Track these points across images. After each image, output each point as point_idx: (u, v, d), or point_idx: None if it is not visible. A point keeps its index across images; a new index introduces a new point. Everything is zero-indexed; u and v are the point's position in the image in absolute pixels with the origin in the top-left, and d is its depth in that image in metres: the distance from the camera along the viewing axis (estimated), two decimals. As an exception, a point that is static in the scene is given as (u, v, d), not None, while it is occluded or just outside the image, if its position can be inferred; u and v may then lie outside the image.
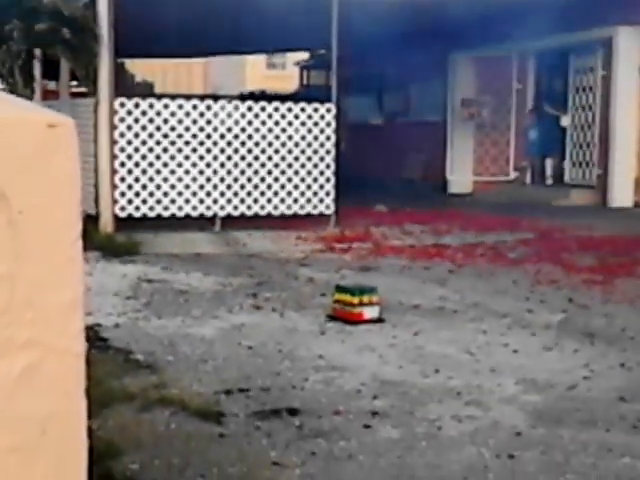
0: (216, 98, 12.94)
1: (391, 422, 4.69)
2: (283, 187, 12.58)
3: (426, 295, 8.18)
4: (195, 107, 12.21)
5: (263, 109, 12.52)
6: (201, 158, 12.21)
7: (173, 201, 12.12)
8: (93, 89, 12.18)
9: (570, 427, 4.65)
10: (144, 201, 12.00)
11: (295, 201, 12.65)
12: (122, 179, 11.92)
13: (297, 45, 23.27)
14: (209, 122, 12.22)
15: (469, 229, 12.78)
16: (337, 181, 12.83)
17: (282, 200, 12.59)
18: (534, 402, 5.07)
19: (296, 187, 12.63)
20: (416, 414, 4.83)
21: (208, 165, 12.24)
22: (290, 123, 12.58)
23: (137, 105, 11.97)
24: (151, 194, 12.03)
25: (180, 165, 12.13)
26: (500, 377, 5.55)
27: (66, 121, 2.39)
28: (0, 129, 2.27)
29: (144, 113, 11.97)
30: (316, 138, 12.70)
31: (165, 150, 12.06)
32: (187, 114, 12.13)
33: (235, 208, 12.38)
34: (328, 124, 12.76)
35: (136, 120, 11.93)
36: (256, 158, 12.44)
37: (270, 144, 12.49)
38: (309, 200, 12.72)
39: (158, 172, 12.03)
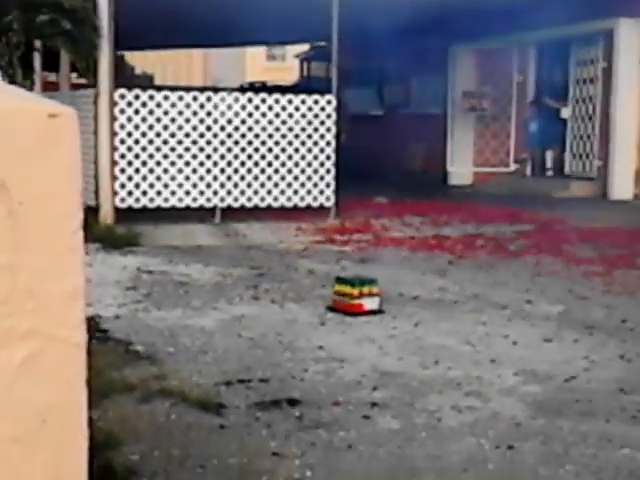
0: (216, 90, 12.92)
1: (391, 413, 4.70)
2: (283, 179, 12.57)
3: (426, 286, 8.18)
4: (195, 99, 12.21)
5: (263, 101, 12.51)
6: (201, 150, 12.20)
7: (173, 193, 12.11)
8: (93, 81, 12.17)
9: (570, 418, 4.66)
10: (144, 193, 12.00)
11: (295, 193, 12.65)
12: (122, 170, 11.92)
13: (297, 37, 23.24)
14: (209, 114, 12.21)
15: (469, 221, 12.78)
16: (337, 173, 12.82)
17: (282, 192, 12.58)
18: (534, 393, 5.08)
19: (296, 179, 12.63)
20: (416, 405, 4.84)
21: (208, 157, 12.23)
22: (290, 115, 12.57)
23: (137, 97, 11.96)
24: (151, 186, 12.02)
25: (180, 157, 12.12)
26: (500, 368, 5.55)
27: (67, 111, 2.39)
28: (1, 119, 2.27)
29: (144, 105, 11.96)
30: (316, 130, 12.69)
31: (165, 142, 12.05)
32: (187, 106, 12.12)
33: (235, 200, 12.38)
34: (328, 116, 12.75)
35: (136, 112, 11.93)
36: (256, 150, 12.44)
37: (270, 136, 12.49)
38: (309, 192, 12.72)
39: (158, 164, 12.03)
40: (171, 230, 11.47)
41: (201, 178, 12.21)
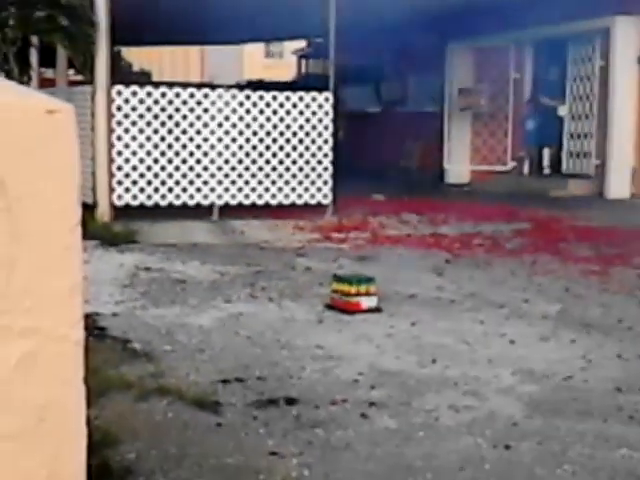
0: (214, 87, 12.90)
1: (388, 412, 4.69)
2: (281, 176, 12.56)
3: (423, 285, 8.18)
4: (192, 95, 12.18)
5: (261, 98, 12.49)
6: (198, 147, 12.18)
7: (170, 190, 12.09)
8: (90, 77, 12.14)
9: (567, 418, 4.65)
10: (141, 190, 11.98)
11: (293, 190, 12.64)
12: (119, 168, 11.89)
13: (295, 33, 23.21)
14: (206, 110, 12.19)
15: (466, 219, 12.78)
16: (335, 170, 12.81)
17: (280, 189, 12.57)
18: (531, 392, 5.07)
19: (294, 176, 12.61)
20: (413, 404, 4.83)
21: (205, 154, 12.21)
22: (288, 112, 12.55)
23: (134, 93, 11.93)
24: (148, 183, 12.00)
25: (177, 154, 12.10)
26: (497, 367, 5.55)
27: (65, 107, 2.38)
28: (-2, 116, 2.26)
29: (141, 101, 11.93)
30: (314, 127, 12.67)
31: (162, 139, 12.03)
32: (184, 102, 12.10)
33: (233, 197, 12.36)
34: (326, 113, 12.74)
35: (133, 108, 11.90)
36: (254, 147, 12.42)
37: (268, 133, 12.47)
38: (307, 189, 12.71)
39: (155, 161, 12.01)
40: (168, 227, 11.45)
41: (198, 175, 12.19)
